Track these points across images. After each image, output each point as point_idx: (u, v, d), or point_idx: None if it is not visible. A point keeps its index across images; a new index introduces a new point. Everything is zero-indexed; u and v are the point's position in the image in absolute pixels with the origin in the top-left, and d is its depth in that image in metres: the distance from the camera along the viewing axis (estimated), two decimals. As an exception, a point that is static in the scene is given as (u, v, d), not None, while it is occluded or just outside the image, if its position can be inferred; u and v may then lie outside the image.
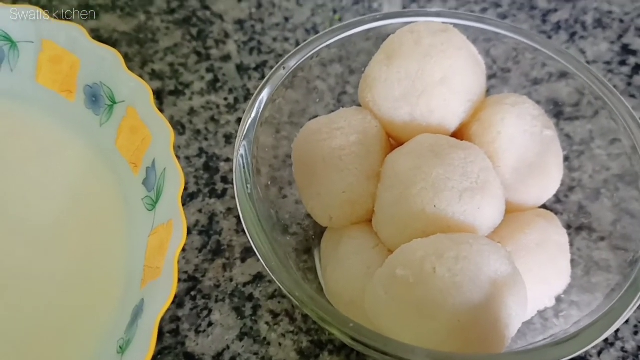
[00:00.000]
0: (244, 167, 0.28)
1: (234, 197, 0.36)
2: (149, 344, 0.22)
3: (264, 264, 0.26)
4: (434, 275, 0.24)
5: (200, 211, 0.36)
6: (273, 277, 0.26)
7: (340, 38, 0.35)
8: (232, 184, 0.37)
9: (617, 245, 0.32)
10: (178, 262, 0.24)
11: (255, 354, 0.31)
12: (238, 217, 0.35)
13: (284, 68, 0.32)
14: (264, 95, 0.32)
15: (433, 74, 0.30)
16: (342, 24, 0.35)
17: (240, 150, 0.29)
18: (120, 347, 0.24)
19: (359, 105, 0.32)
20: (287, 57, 0.33)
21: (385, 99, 0.30)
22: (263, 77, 0.42)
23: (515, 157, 0.30)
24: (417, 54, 0.30)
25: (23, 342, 0.27)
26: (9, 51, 0.33)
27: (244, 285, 0.33)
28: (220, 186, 0.37)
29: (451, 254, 0.24)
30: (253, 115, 0.31)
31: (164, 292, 0.23)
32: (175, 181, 0.26)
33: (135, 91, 0.29)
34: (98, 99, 0.31)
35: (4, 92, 0.33)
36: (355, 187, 0.29)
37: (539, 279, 0.28)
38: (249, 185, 0.28)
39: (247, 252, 0.34)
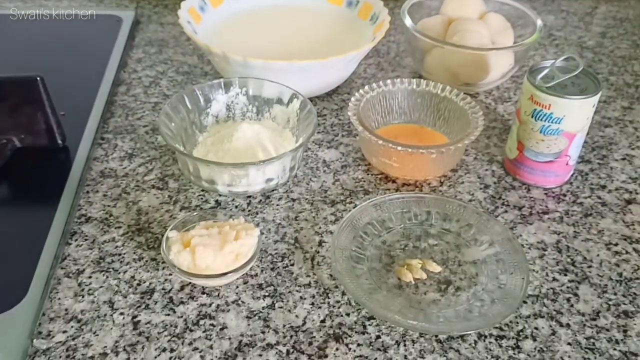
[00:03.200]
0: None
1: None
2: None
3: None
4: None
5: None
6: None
7: None
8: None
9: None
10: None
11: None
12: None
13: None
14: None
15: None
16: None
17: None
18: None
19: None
20: None
21: (450, 7, 0.89)
22: None
23: (494, 26, 0.86)
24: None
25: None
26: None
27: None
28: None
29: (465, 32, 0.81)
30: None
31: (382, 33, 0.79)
32: (384, 13, 0.84)
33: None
34: (352, 3, 0.90)
35: (304, 8, 0.93)
36: (439, 29, 0.86)
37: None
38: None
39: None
